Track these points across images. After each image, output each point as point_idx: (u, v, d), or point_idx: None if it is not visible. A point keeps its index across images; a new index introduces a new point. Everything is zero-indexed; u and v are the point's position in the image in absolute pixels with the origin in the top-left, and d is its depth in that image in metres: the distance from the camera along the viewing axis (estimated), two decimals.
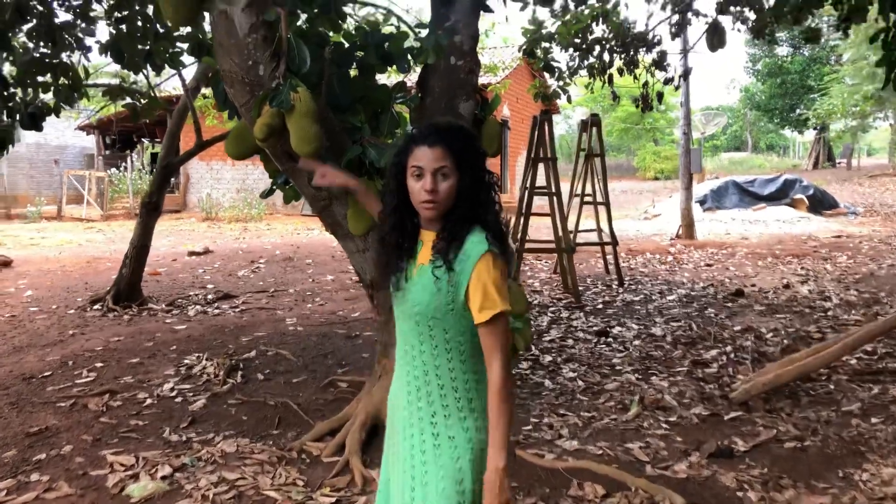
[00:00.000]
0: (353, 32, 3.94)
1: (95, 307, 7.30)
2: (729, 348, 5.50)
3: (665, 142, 39.31)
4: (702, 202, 15.90)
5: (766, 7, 7.50)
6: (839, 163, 34.43)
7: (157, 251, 11.78)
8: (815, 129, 33.10)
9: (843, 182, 25.74)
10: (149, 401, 4.49)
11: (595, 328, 6.19)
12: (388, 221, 1.83)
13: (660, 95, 9.42)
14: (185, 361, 5.33)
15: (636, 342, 5.72)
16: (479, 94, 4.24)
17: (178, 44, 5.57)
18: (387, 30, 4.16)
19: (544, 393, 4.50)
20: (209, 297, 7.90)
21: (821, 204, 15.79)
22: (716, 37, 7.73)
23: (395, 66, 3.97)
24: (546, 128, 7.39)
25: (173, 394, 4.62)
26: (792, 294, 7.59)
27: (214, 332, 6.27)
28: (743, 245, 11.73)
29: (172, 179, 21.97)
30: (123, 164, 20.89)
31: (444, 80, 4.14)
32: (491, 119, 4.22)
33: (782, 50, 36.67)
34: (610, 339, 5.82)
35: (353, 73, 3.90)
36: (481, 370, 1.72)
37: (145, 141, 22.31)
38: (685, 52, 9.10)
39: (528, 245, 7.79)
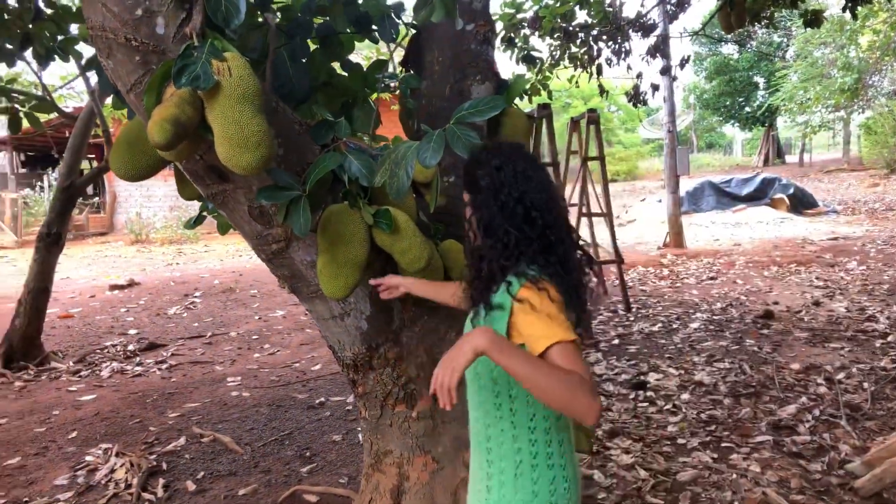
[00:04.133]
0: None
1: None
2: (804, 399, 4.29)
3: (614, 142, 38.55)
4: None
5: None
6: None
7: (75, 285, 10.09)
8: (766, 124, 32.79)
9: (800, 178, 25.19)
10: None
11: (625, 376, 4.91)
12: None
13: (655, 87, 8.30)
14: (87, 459, 3.85)
15: (684, 396, 4.46)
16: (498, 74, 2.94)
17: (75, 26, 4.11)
18: None
19: (600, 497, 3.18)
20: (130, 347, 6.36)
21: (801, 203, 14.87)
22: (734, 13, 6.58)
23: (375, 35, 2.66)
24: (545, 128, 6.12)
25: None
26: (828, 314, 6.47)
27: (132, 405, 4.78)
28: (737, 252, 10.66)
29: (97, 199, 20.13)
30: (40, 183, 18.64)
31: (448, 52, 2.81)
32: (515, 110, 2.92)
33: (727, 48, 36.36)
34: (651, 394, 4.55)
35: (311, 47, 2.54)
36: None
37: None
38: (693, 34, 7.98)
39: None
